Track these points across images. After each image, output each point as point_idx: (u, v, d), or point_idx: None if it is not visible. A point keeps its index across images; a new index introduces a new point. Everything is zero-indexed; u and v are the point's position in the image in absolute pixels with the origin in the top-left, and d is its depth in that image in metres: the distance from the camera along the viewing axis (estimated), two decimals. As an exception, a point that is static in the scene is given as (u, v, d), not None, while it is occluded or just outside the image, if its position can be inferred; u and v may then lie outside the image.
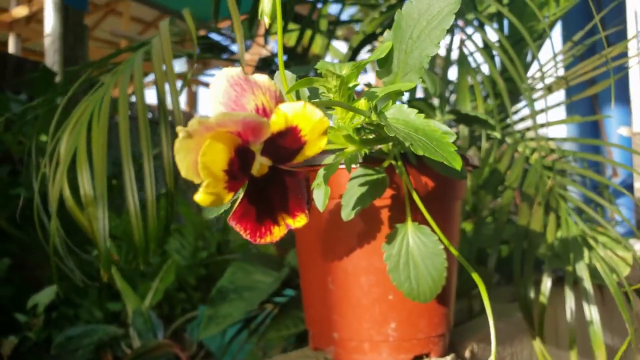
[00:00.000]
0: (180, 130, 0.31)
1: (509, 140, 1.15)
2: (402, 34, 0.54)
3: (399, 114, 0.49)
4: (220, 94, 0.35)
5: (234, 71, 0.36)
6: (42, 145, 1.11)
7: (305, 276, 0.79)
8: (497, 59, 1.28)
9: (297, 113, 0.34)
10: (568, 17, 1.42)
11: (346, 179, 0.65)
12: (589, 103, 1.65)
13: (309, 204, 0.39)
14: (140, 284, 1.80)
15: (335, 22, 1.67)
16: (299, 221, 0.40)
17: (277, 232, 0.40)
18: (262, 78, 0.36)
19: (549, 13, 1.31)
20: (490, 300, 0.57)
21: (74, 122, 0.99)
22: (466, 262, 0.58)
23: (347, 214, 0.61)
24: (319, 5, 1.70)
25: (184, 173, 0.33)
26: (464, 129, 1.10)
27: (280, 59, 0.54)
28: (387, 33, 0.55)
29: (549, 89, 1.20)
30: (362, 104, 0.51)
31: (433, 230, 0.63)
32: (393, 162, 0.66)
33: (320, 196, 0.55)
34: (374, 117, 0.48)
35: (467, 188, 1.13)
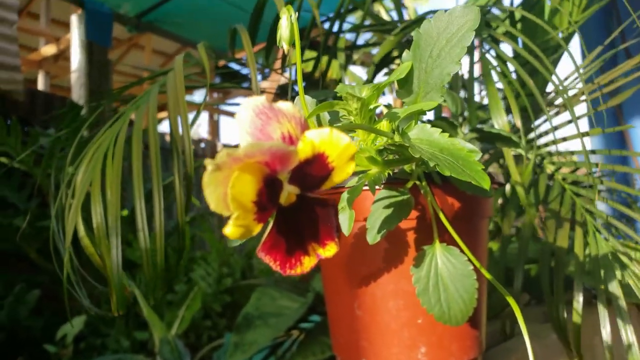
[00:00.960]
0: (208, 163, 0.30)
1: (530, 156, 1.14)
2: (421, 53, 0.54)
3: (423, 134, 0.49)
4: (247, 123, 0.35)
5: (259, 100, 0.36)
6: (68, 180, 1.13)
7: (332, 301, 0.78)
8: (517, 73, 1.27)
9: (324, 140, 0.34)
10: (587, 28, 1.41)
11: (370, 201, 0.65)
12: (612, 114, 1.62)
13: (339, 232, 0.39)
14: (166, 312, 1.81)
15: (352, 47, 1.68)
16: (329, 250, 0.39)
17: (308, 263, 0.39)
18: (286, 106, 0.36)
19: (562, 28, 1.31)
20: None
21: (90, 156, 1.01)
22: (498, 284, 0.57)
23: (373, 237, 0.60)
24: (334, 33, 1.72)
25: (213, 206, 0.33)
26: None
27: (300, 84, 0.55)
28: (406, 53, 0.55)
29: (566, 106, 1.18)
30: (384, 125, 0.51)
31: (462, 251, 0.63)
32: (417, 182, 0.65)
33: (345, 220, 0.55)
34: (397, 138, 0.48)
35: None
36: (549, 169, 1.19)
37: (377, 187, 0.65)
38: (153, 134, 0.95)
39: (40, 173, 1.83)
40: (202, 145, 3.44)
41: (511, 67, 1.24)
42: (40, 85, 3.27)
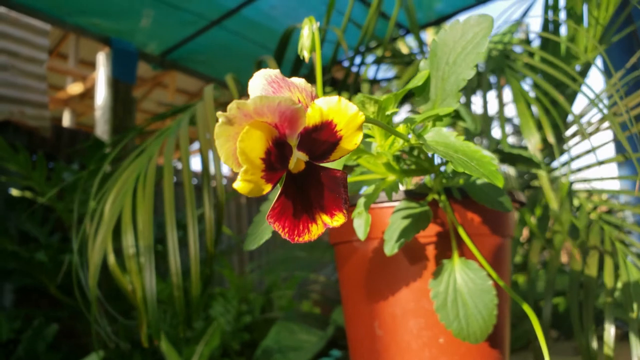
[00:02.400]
0: (220, 115, 0.31)
1: (562, 179, 1.12)
2: (437, 61, 0.54)
3: (438, 137, 0.48)
4: (259, 90, 0.36)
5: (271, 71, 0.37)
6: (91, 213, 1.13)
7: (351, 322, 0.76)
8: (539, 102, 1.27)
9: (332, 107, 0.35)
10: (610, 52, 1.40)
11: (388, 216, 0.64)
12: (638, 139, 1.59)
13: (347, 203, 0.38)
14: (184, 349, 1.78)
15: (372, 81, 1.70)
16: (337, 220, 0.39)
17: (315, 231, 0.39)
18: (298, 79, 0.37)
19: (580, 59, 1.30)
20: (551, 355, 0.53)
21: (119, 185, 1.01)
22: (516, 296, 0.55)
23: (391, 247, 0.59)
24: (354, 70, 1.75)
25: (223, 159, 0.33)
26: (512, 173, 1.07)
27: (319, 87, 0.55)
28: (423, 62, 0.55)
29: (584, 134, 1.17)
30: (401, 128, 0.51)
31: (481, 265, 0.61)
32: (436, 196, 0.64)
33: (361, 225, 0.54)
34: (413, 140, 0.47)
35: (516, 224, 1.08)
36: (580, 196, 1.16)
37: (395, 200, 0.64)
38: (185, 160, 0.95)
39: (62, 207, 1.85)
40: (224, 181, 3.48)
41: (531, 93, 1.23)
42: (66, 122, 3.36)
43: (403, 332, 0.68)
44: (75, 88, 3.23)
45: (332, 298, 1.97)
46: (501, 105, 1.15)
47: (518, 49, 1.49)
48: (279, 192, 0.38)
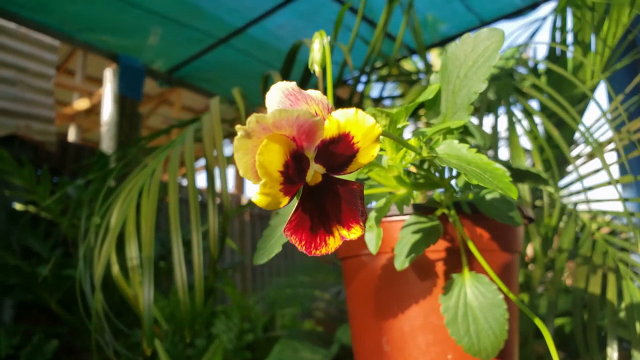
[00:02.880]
0: (239, 129, 0.31)
1: (562, 200, 1.12)
2: (448, 75, 0.54)
3: (450, 150, 0.48)
4: (276, 103, 0.36)
5: (288, 84, 0.37)
6: (96, 225, 1.13)
7: (359, 337, 0.75)
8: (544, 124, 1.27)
9: (349, 119, 0.35)
10: (614, 78, 1.41)
11: (397, 231, 0.63)
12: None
13: (364, 216, 0.38)
14: (186, 366, 1.76)
15: (377, 100, 1.71)
16: (354, 233, 0.38)
17: (332, 244, 0.39)
18: (314, 92, 0.37)
19: (587, 80, 1.31)
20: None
21: (125, 194, 1.01)
22: (529, 311, 0.54)
23: (401, 262, 0.59)
24: (359, 89, 1.76)
25: (242, 172, 0.33)
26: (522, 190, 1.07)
27: (330, 96, 0.55)
28: (434, 76, 0.56)
29: (593, 155, 1.17)
30: (412, 141, 0.51)
31: (491, 280, 0.60)
32: (446, 211, 0.64)
33: (372, 238, 0.53)
34: (424, 153, 0.47)
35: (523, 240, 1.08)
36: (584, 217, 1.16)
37: (405, 214, 0.64)
38: (190, 171, 0.96)
39: (66, 222, 1.85)
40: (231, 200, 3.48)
41: (537, 119, 1.24)
42: (72, 138, 3.37)
43: (411, 348, 0.67)
44: (81, 104, 3.25)
45: (335, 316, 1.96)
46: (511, 123, 1.16)
47: (523, 69, 1.50)
48: (297, 204, 0.38)
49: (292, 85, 0.36)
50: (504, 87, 1.24)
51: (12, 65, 1.96)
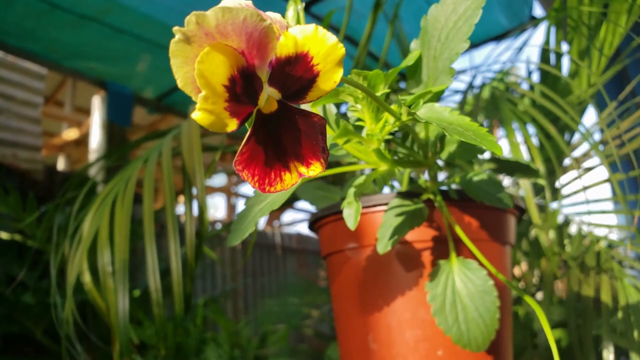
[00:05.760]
0: (176, 30, 0.28)
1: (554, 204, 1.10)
2: (429, 39, 0.52)
3: (432, 113, 0.46)
4: None
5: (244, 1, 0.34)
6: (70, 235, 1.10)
7: (344, 338, 0.71)
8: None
9: (308, 36, 0.31)
10: (606, 88, 1.41)
11: (380, 221, 0.61)
12: (627, 163, 1.58)
13: (325, 152, 0.35)
14: (175, 396, 1.69)
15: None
16: (313, 169, 0.35)
17: (289, 180, 0.35)
18: (273, 13, 0.34)
19: (581, 91, 1.30)
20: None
21: (99, 202, 0.98)
22: (521, 291, 0.51)
23: (384, 245, 0.56)
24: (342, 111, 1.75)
25: (180, 84, 0.30)
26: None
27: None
28: (414, 42, 0.54)
29: (585, 156, 1.16)
30: (392, 107, 0.49)
31: (482, 265, 0.57)
32: (432, 196, 0.61)
33: (351, 214, 0.51)
34: (404, 117, 0.45)
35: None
36: (573, 219, 1.14)
37: (389, 198, 0.62)
38: (168, 176, 0.93)
39: (52, 249, 1.81)
40: (218, 225, 3.44)
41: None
42: (61, 168, 3.33)
43: (399, 344, 0.64)
44: (70, 134, 3.23)
45: (325, 334, 1.90)
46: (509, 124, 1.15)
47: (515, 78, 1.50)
48: (248, 134, 0.34)
49: (247, 2, 0.33)
50: (498, 93, 1.24)
51: (-1, 94, 1.96)
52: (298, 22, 0.50)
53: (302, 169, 0.35)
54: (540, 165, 1.08)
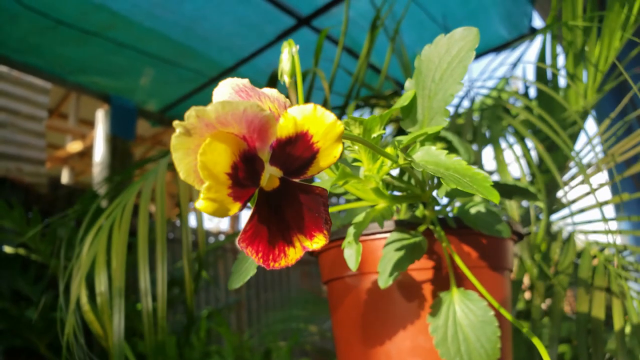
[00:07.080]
0: (176, 125, 0.28)
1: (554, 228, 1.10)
2: (423, 79, 0.53)
3: (428, 156, 0.46)
4: (225, 99, 0.33)
5: (240, 80, 0.34)
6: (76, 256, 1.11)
7: (346, 365, 0.72)
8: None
9: (307, 116, 0.31)
10: (601, 104, 1.41)
11: (381, 249, 0.61)
12: (630, 183, 1.59)
13: (328, 224, 0.35)
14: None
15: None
16: (317, 242, 0.35)
17: (293, 255, 0.35)
18: (269, 90, 0.34)
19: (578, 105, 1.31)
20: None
21: (97, 227, 0.99)
22: (519, 323, 0.52)
23: (385, 280, 0.56)
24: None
25: (183, 175, 0.30)
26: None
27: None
28: (408, 82, 0.55)
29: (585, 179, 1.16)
30: (388, 150, 0.49)
31: (481, 296, 0.58)
32: (431, 226, 0.62)
33: (352, 255, 0.51)
34: (401, 160, 0.45)
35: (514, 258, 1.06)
36: (579, 238, 1.14)
37: (387, 231, 0.62)
38: (160, 201, 0.94)
39: (55, 263, 1.82)
40: (221, 237, 3.44)
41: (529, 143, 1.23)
42: (65, 180, 3.36)
43: (401, 373, 0.64)
44: (74, 146, 3.25)
45: (327, 349, 1.91)
46: (496, 141, 1.15)
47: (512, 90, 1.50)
48: (251, 212, 0.34)
49: (244, 81, 0.33)
50: (491, 110, 1.24)
51: (3, 108, 1.97)
52: (293, 65, 0.51)
53: (307, 243, 0.35)
54: (541, 186, 1.08)
